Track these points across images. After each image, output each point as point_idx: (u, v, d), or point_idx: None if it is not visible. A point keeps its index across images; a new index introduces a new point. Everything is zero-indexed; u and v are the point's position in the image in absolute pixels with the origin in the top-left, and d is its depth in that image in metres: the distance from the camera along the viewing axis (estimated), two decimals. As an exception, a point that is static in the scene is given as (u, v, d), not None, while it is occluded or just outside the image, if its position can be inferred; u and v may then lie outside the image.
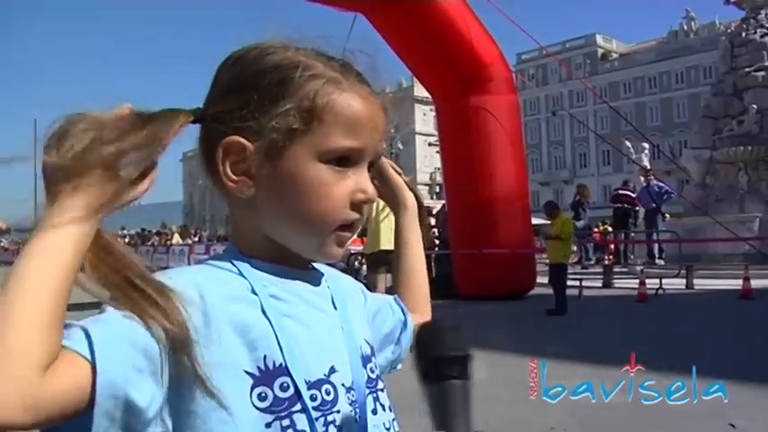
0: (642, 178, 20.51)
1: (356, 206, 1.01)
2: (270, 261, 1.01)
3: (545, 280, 13.11)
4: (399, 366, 1.33)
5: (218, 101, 0.99)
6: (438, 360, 0.90)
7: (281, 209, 0.98)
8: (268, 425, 0.91)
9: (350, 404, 0.99)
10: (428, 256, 16.20)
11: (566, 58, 79.63)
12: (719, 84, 22.84)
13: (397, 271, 1.35)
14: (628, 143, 30.97)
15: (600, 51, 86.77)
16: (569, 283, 12.74)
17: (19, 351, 0.72)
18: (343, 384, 1.00)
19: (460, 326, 0.97)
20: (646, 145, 25.64)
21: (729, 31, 25.59)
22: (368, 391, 1.04)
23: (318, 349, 0.99)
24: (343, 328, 1.05)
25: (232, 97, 0.98)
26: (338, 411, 0.98)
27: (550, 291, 11.98)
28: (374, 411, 1.04)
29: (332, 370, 0.99)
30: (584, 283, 14.47)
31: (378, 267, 8.68)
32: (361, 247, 11.87)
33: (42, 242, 0.79)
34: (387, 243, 8.49)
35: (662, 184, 19.97)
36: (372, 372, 1.06)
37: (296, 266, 1.04)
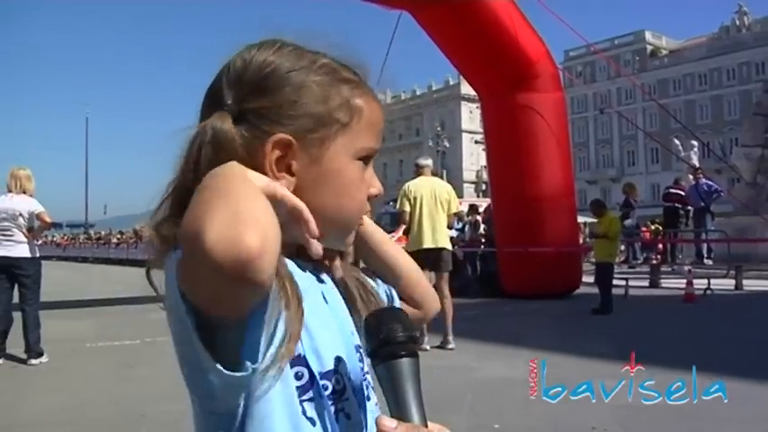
0: (691, 177, 20.20)
1: (369, 199, 1.11)
2: (287, 256, 1.03)
3: (591, 279, 13.02)
4: None
5: (254, 97, 1.01)
6: (386, 340, 0.94)
7: (318, 203, 1.00)
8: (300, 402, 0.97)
9: (353, 393, 1.04)
10: (473, 255, 16.38)
11: (614, 56, 78.70)
12: (772, 80, 22.42)
13: (393, 277, 1.33)
14: (677, 141, 30.51)
15: (649, 48, 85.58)
16: (615, 282, 12.64)
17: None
18: (347, 374, 1.04)
19: (404, 311, 1.01)
20: (695, 143, 25.21)
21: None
22: (362, 378, 1.07)
23: (327, 340, 1.03)
24: (335, 319, 1.08)
25: (267, 94, 1.01)
26: (347, 400, 1.02)
27: (596, 290, 11.89)
28: (368, 398, 1.07)
29: (339, 360, 1.03)
30: (630, 283, 14.34)
31: (421, 266, 8.67)
32: (404, 245, 11.87)
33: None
34: (427, 242, 8.51)
35: (711, 183, 19.66)
36: (361, 360, 1.09)
37: (306, 261, 1.07)
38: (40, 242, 9.03)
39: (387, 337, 0.94)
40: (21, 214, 8.03)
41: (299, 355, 0.97)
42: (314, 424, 0.97)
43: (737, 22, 78.09)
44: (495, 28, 13.24)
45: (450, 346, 8.45)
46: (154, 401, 5.98)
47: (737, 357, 7.21)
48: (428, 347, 8.35)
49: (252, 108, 1.00)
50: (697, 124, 70.88)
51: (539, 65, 13.88)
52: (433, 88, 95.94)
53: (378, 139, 1.10)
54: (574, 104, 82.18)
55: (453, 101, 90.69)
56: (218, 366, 0.85)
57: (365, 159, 1.08)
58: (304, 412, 0.96)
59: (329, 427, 0.98)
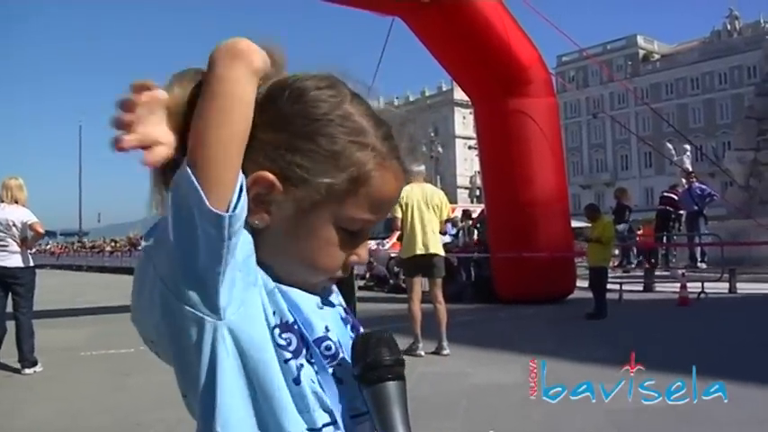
0: (684, 180, 20.25)
1: (346, 265, 1.09)
2: None
3: (585, 284, 13.03)
4: None
5: (268, 127, 1.01)
6: (373, 364, 0.96)
7: (285, 250, 1.04)
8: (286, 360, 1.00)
9: (344, 359, 1.06)
10: (467, 260, 16.38)
11: (606, 60, 79.00)
12: (763, 84, 22.54)
13: None
14: (669, 145, 30.61)
15: (641, 53, 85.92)
16: (610, 286, 12.64)
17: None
18: (338, 341, 1.07)
19: (391, 334, 1.03)
20: (688, 147, 25.29)
21: (774, 30, 25.17)
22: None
23: (312, 313, 1.06)
24: (320, 304, 1.10)
25: (278, 130, 1.01)
26: (339, 365, 1.05)
27: (590, 294, 11.90)
28: None
29: (327, 329, 1.06)
30: (624, 287, 14.34)
31: (414, 272, 8.69)
32: (397, 251, 11.88)
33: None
34: (418, 248, 8.51)
35: (704, 187, 19.69)
36: (352, 331, 1.13)
37: None
38: (33, 251, 9.03)
39: (373, 361, 0.97)
40: (14, 224, 8.02)
41: (287, 321, 1.01)
42: (312, 382, 1.00)
43: (729, 27, 78.50)
44: (487, 33, 13.26)
45: (444, 352, 8.44)
46: (148, 410, 5.96)
47: (732, 360, 7.22)
48: (423, 353, 8.35)
49: (258, 137, 1.00)
50: (690, 128, 71.16)
51: (531, 70, 13.91)
52: (427, 94, 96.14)
53: (379, 212, 1.07)
54: (567, 109, 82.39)
55: (446, 106, 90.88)
56: (209, 206, 0.90)
57: (355, 230, 1.06)
58: (299, 371, 1.00)
59: (326, 388, 1.02)
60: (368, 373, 0.97)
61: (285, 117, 1.01)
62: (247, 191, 0.96)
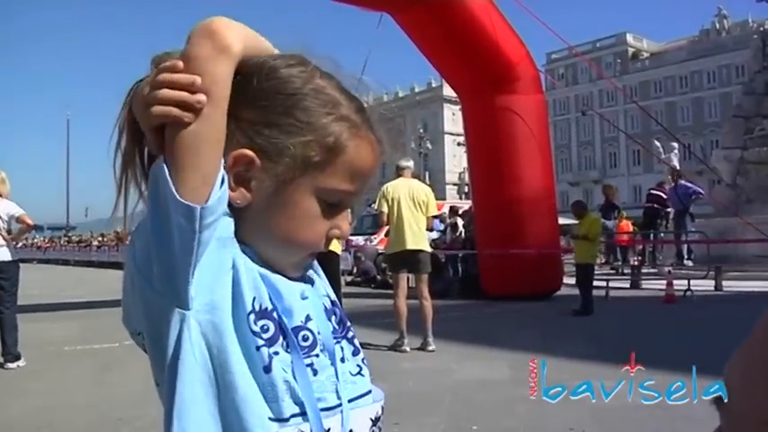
0: (670, 178, 20.31)
1: (328, 239, 1.09)
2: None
3: (572, 280, 13.06)
4: None
5: (244, 106, 1.01)
6: None
7: (267, 226, 1.04)
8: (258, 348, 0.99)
9: (322, 351, 1.06)
10: (455, 257, 16.39)
11: (596, 58, 79.18)
12: (751, 83, 22.59)
13: None
14: (657, 143, 30.68)
15: (630, 50, 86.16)
16: (596, 283, 12.67)
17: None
18: (316, 332, 1.06)
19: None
20: (675, 145, 25.35)
21: (762, 29, 25.34)
22: (334, 340, 1.10)
23: (293, 301, 1.06)
24: (304, 293, 1.10)
25: (254, 108, 1.01)
26: (316, 356, 1.04)
27: (577, 291, 11.93)
28: (342, 360, 1.09)
29: (308, 318, 1.06)
30: (611, 284, 14.39)
31: (399, 267, 8.68)
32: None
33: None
34: (409, 243, 8.50)
35: (689, 185, 19.74)
36: (338, 324, 1.13)
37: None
38: (20, 245, 8.98)
39: None
40: (0, 217, 7.97)
41: (266, 308, 1.00)
42: (285, 371, 0.99)
43: (717, 26, 78.79)
44: (475, 30, 13.26)
45: (430, 348, 8.44)
46: (131, 405, 5.93)
47: (718, 357, 7.24)
48: (408, 349, 8.34)
49: (237, 115, 1.00)
50: (678, 126, 71.47)
51: (519, 67, 13.92)
52: (416, 90, 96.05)
53: (359, 184, 1.08)
54: (556, 106, 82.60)
55: (436, 103, 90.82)
56: (179, 197, 0.90)
57: (335, 201, 1.06)
58: (271, 358, 0.99)
59: (299, 377, 1.01)
60: None
61: (259, 94, 1.02)
62: (227, 170, 0.97)
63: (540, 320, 11.03)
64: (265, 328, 0.99)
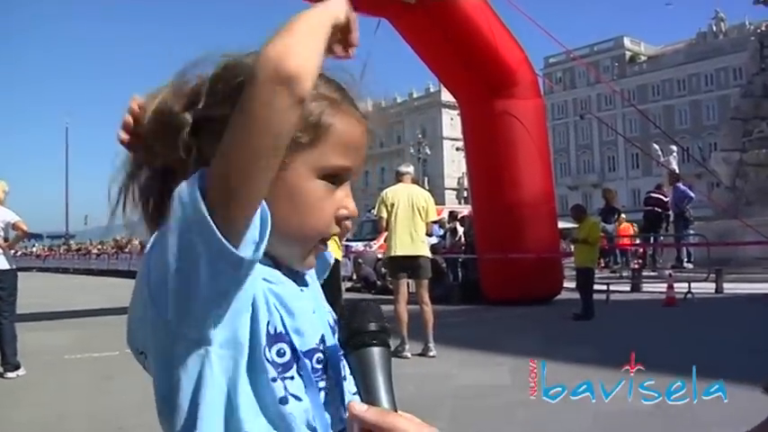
0: (668, 181, 20.32)
1: (338, 221, 1.09)
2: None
3: (572, 284, 13.03)
4: None
5: (223, 104, 0.99)
6: (358, 330, 0.96)
7: (279, 218, 1.00)
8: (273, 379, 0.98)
9: (332, 371, 1.06)
10: (455, 261, 16.38)
11: (593, 62, 79.19)
12: (749, 85, 22.60)
13: None
14: (656, 146, 30.70)
15: (628, 54, 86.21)
16: (597, 287, 12.65)
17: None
18: (328, 352, 1.06)
19: (378, 304, 1.02)
20: (674, 148, 25.38)
21: (759, 31, 25.30)
22: (339, 358, 1.09)
23: (307, 322, 1.05)
24: (314, 310, 1.10)
25: (234, 103, 0.97)
26: (327, 378, 1.05)
27: (578, 295, 11.91)
28: (344, 378, 1.08)
29: (322, 339, 1.06)
30: (612, 288, 14.37)
31: (399, 273, 8.67)
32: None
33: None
34: (403, 248, 8.49)
35: (684, 188, 19.76)
36: (339, 341, 1.11)
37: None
38: (19, 253, 8.96)
39: (358, 327, 0.97)
40: (-2, 226, 7.95)
41: (280, 332, 1.00)
42: (299, 399, 0.99)
43: (714, 28, 78.87)
44: (473, 35, 13.26)
45: (431, 354, 8.42)
46: (132, 414, 5.90)
47: (719, 359, 7.23)
48: (409, 355, 8.32)
49: (215, 115, 0.99)
50: (676, 129, 71.48)
51: (518, 72, 13.93)
52: (414, 96, 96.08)
53: (354, 157, 1.08)
54: (554, 110, 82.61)
55: (434, 108, 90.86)
56: (227, 244, 0.88)
57: (335, 179, 1.06)
58: (286, 388, 0.98)
59: (312, 402, 1.00)
60: (353, 338, 0.97)
61: (235, 89, 0.99)
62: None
63: (540, 325, 11.01)
64: (281, 352, 0.99)
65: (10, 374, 7.87)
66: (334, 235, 1.10)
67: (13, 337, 7.97)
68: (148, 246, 0.98)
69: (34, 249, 64.50)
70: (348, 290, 18.54)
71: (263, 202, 0.93)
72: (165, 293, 0.91)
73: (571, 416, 5.09)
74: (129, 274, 32.24)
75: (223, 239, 0.87)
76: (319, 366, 1.04)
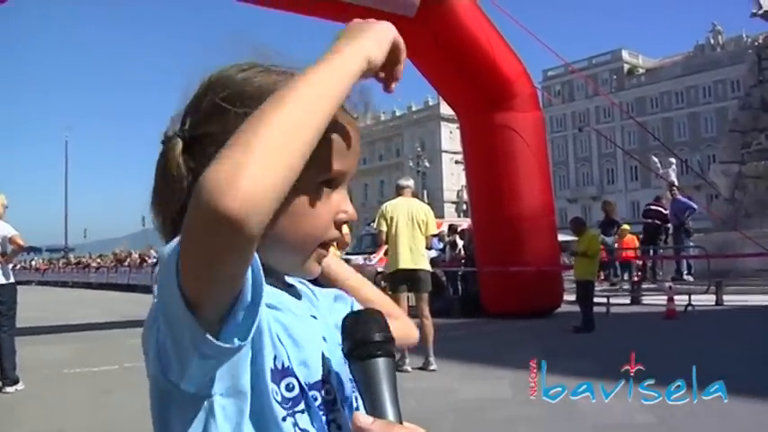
0: (669, 194, 20.34)
1: (337, 225, 1.07)
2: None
3: (572, 297, 13.02)
4: None
5: (207, 121, 1.00)
6: (362, 340, 0.94)
7: (273, 231, 0.99)
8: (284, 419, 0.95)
9: (343, 403, 1.04)
10: (454, 274, 16.35)
11: (592, 74, 79.45)
12: (747, 97, 22.67)
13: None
14: (655, 158, 30.75)
15: (626, 67, 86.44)
16: (597, 300, 12.64)
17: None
18: (337, 384, 1.04)
19: (382, 314, 1.00)
20: (673, 160, 25.42)
21: (757, 43, 25.42)
22: (352, 388, 1.07)
23: (315, 351, 1.03)
24: (324, 337, 1.07)
25: (225, 118, 0.99)
26: (338, 410, 1.02)
27: (578, 308, 11.89)
28: (357, 408, 1.06)
29: (329, 371, 1.04)
30: (612, 300, 14.35)
31: (398, 286, 8.66)
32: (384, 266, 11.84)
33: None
34: (403, 262, 8.49)
35: (684, 200, 19.76)
36: (350, 372, 1.09)
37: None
38: (18, 267, 8.95)
39: (363, 338, 0.95)
40: (-4, 240, 7.94)
41: (288, 366, 0.97)
42: None
43: (712, 41, 79.10)
44: (472, 48, 13.30)
45: (432, 368, 8.40)
46: (131, 428, 5.89)
47: (720, 372, 7.21)
48: (410, 369, 8.30)
49: (203, 133, 0.99)
50: (675, 141, 71.58)
51: (516, 84, 13.95)
52: (413, 109, 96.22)
53: (351, 160, 1.07)
54: (553, 123, 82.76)
55: (433, 121, 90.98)
56: (208, 336, 0.83)
57: (331, 183, 1.05)
58: (296, 424, 0.96)
59: None
60: (357, 349, 0.95)
61: (222, 103, 1.00)
62: None
63: (541, 338, 10.99)
64: (290, 386, 0.97)
65: (9, 389, 7.84)
66: (335, 240, 1.08)
67: (12, 351, 7.95)
68: (155, 288, 0.96)
69: (33, 263, 64.41)
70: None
71: (256, 258, 0.85)
72: (167, 355, 0.89)
73: (573, 429, 5.07)
74: (128, 288, 32.25)
75: (207, 336, 0.83)
76: (329, 398, 1.02)
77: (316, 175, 1.01)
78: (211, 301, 0.84)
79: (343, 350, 0.99)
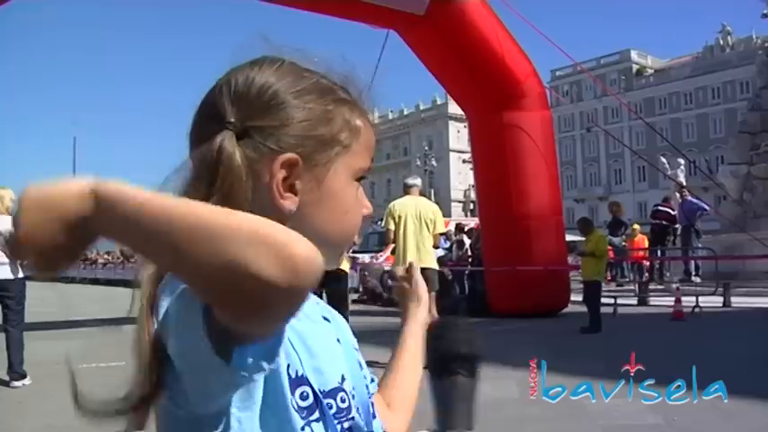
0: (678, 195, 20.28)
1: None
2: None
3: (579, 297, 13.00)
4: None
5: (259, 116, 0.98)
6: (446, 355, 0.91)
7: (319, 222, 1.01)
8: (302, 428, 0.95)
9: (357, 410, 1.03)
10: (461, 273, 16.33)
11: (600, 75, 79.28)
12: (756, 98, 22.62)
13: (389, 375, 1.32)
14: (663, 159, 30.67)
15: (635, 67, 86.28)
16: (604, 300, 12.61)
17: None
18: (352, 391, 1.03)
19: (474, 324, 0.97)
20: (681, 161, 25.35)
21: (767, 44, 25.32)
22: (368, 395, 1.08)
23: (329, 358, 1.02)
24: (339, 339, 1.08)
25: (270, 113, 0.98)
26: (353, 418, 1.01)
27: (585, 309, 11.87)
28: (374, 415, 1.07)
29: (343, 378, 1.02)
30: (619, 301, 14.32)
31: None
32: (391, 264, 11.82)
33: None
34: (413, 261, 8.47)
35: (695, 201, 19.70)
36: (366, 378, 1.11)
37: None
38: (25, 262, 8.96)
39: (446, 351, 0.92)
40: (2, 234, 7.95)
41: (302, 375, 0.95)
42: None
43: (721, 42, 78.87)
44: (482, 47, 13.29)
45: (440, 366, 8.38)
46: (138, 424, 5.89)
47: (727, 373, 7.19)
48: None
49: (257, 126, 0.97)
50: (683, 142, 71.38)
51: (526, 84, 13.93)
52: (421, 108, 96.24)
53: (370, 159, 1.10)
54: (561, 123, 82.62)
55: (441, 120, 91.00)
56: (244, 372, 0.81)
57: (360, 179, 1.07)
58: None
59: None
60: (438, 363, 0.92)
61: (267, 101, 0.99)
62: (272, 181, 0.95)
63: (548, 338, 10.96)
64: (305, 395, 0.96)
65: (16, 383, 7.86)
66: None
67: (20, 345, 7.97)
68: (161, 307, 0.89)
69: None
70: (354, 301, 18.50)
71: None
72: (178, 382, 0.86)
73: (580, 429, 5.06)
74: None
75: (237, 375, 0.81)
76: (344, 405, 1.00)
77: (356, 172, 1.05)
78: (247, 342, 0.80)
79: (426, 359, 0.97)
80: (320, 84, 1.04)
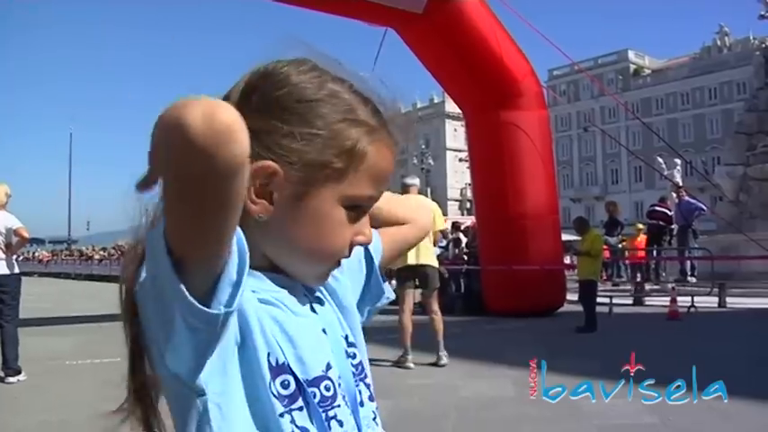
0: (675, 195, 20.29)
1: (351, 246, 1.06)
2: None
3: (575, 297, 13.01)
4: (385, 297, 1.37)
5: (257, 116, 0.95)
6: None
7: (293, 238, 1.00)
8: (281, 414, 0.95)
9: (343, 398, 1.02)
10: (457, 273, 16.32)
11: (597, 74, 79.28)
12: (753, 99, 22.66)
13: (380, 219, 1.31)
14: (660, 159, 30.72)
15: (632, 67, 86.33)
16: (600, 300, 12.62)
17: None
18: (338, 379, 1.03)
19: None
20: (678, 161, 25.38)
21: (764, 45, 25.41)
22: (355, 383, 1.07)
23: (313, 346, 1.01)
24: (324, 330, 1.07)
25: (269, 117, 0.97)
26: (338, 406, 1.01)
27: (580, 308, 11.88)
28: (361, 404, 1.07)
29: (328, 366, 1.02)
30: (614, 301, 14.33)
31: (405, 282, 8.64)
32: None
33: None
34: (413, 259, 8.47)
35: (693, 201, 19.71)
36: (354, 366, 1.09)
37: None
38: (21, 258, 8.96)
39: None
40: (1, 234, 7.94)
41: (283, 363, 0.96)
42: None
43: (719, 43, 78.96)
44: (480, 46, 13.29)
45: (443, 362, 8.40)
46: (133, 420, 5.88)
47: (723, 374, 7.20)
48: (412, 365, 8.29)
49: (252, 128, 0.91)
50: (680, 143, 71.43)
51: (523, 83, 13.93)
52: (418, 106, 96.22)
53: (380, 186, 1.05)
54: (558, 123, 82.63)
55: (438, 119, 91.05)
56: (195, 302, 0.81)
57: (358, 208, 1.03)
58: (293, 421, 0.95)
59: None
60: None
61: (273, 103, 0.98)
62: (251, 180, 0.92)
63: (543, 337, 10.97)
64: (286, 383, 0.96)
65: (11, 379, 7.84)
66: (344, 258, 1.07)
67: (15, 341, 7.95)
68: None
69: (36, 254, 64.52)
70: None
71: (240, 233, 0.84)
72: (158, 343, 0.88)
73: (576, 429, 5.06)
74: (131, 281, 32.23)
75: (192, 300, 0.80)
76: (329, 394, 1.00)
77: (347, 199, 1.01)
78: (198, 267, 0.81)
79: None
80: (338, 98, 1.01)
